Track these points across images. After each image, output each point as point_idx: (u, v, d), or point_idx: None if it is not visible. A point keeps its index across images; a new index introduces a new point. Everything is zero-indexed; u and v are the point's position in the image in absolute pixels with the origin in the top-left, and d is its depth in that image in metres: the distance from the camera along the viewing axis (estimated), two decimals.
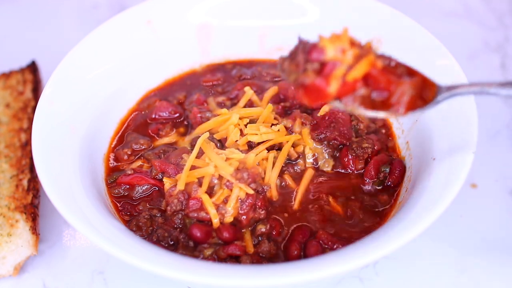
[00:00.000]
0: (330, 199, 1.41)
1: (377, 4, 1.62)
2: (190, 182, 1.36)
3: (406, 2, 1.95)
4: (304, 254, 1.32)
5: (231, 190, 1.34)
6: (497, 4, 2.09)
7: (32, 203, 1.48)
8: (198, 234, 1.32)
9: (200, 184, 1.35)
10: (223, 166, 1.34)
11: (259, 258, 1.31)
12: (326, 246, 1.33)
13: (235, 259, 1.31)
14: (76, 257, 1.50)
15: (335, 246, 1.32)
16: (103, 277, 1.45)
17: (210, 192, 1.36)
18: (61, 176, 1.32)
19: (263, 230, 1.35)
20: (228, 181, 1.34)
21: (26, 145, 1.59)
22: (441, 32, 1.59)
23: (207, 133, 1.42)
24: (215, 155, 1.36)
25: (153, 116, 1.59)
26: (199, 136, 1.48)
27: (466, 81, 1.41)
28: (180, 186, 1.35)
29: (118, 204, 1.42)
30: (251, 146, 1.44)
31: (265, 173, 1.40)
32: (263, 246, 1.32)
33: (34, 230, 1.44)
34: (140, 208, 1.41)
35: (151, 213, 1.39)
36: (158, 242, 1.34)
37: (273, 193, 1.39)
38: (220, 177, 1.36)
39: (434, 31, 1.54)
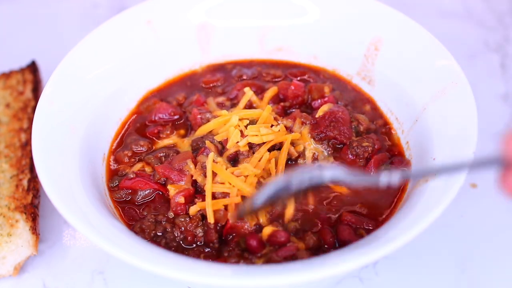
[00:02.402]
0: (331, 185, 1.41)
1: (377, 4, 1.62)
2: (216, 210, 1.35)
3: (406, 2, 1.95)
4: (338, 240, 1.33)
5: None
6: (497, 4, 2.09)
7: (32, 203, 1.48)
8: (255, 244, 1.31)
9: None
10: (249, 193, 1.34)
11: (310, 252, 1.31)
12: (358, 226, 1.34)
13: (291, 258, 1.30)
14: (76, 257, 1.50)
15: (364, 225, 1.34)
16: (103, 277, 1.45)
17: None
18: (61, 176, 1.32)
19: (297, 226, 1.36)
20: None
21: (26, 145, 1.59)
22: (441, 32, 1.59)
23: (212, 153, 1.40)
24: (236, 180, 1.35)
25: (153, 118, 1.59)
26: (200, 138, 1.49)
27: (466, 81, 1.41)
28: (210, 219, 1.33)
29: (121, 210, 1.41)
30: (251, 146, 1.44)
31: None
32: (308, 240, 1.33)
33: (34, 230, 1.44)
34: (145, 214, 1.40)
35: (157, 219, 1.39)
36: (167, 245, 1.34)
37: None
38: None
39: (434, 31, 1.54)
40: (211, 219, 1.33)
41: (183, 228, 1.35)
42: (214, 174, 1.37)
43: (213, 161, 1.38)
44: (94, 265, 1.47)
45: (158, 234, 1.36)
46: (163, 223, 1.37)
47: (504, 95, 1.81)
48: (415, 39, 1.54)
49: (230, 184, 1.35)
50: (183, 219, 1.36)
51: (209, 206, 1.33)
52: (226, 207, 1.35)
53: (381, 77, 1.59)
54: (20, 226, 1.44)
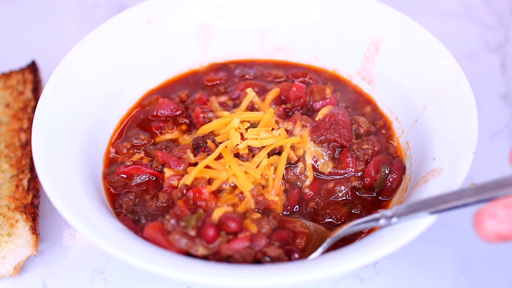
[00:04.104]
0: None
1: (377, 4, 1.62)
2: (198, 178, 1.36)
3: (406, 2, 1.95)
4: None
5: (240, 201, 1.34)
6: (497, 4, 2.09)
7: (32, 203, 1.48)
8: (212, 233, 1.26)
9: (208, 182, 1.35)
10: (244, 183, 1.34)
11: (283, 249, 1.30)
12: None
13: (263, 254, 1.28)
14: (76, 257, 1.50)
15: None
16: (103, 277, 1.45)
17: (217, 191, 1.36)
18: (61, 176, 1.32)
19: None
20: (241, 193, 1.34)
21: (26, 145, 1.59)
22: (441, 32, 1.59)
23: (227, 141, 1.41)
24: (237, 166, 1.35)
25: (155, 113, 1.59)
26: (201, 137, 1.49)
27: (466, 81, 1.41)
28: (187, 181, 1.34)
29: (112, 190, 1.43)
30: (251, 149, 1.43)
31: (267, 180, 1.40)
32: (264, 225, 1.31)
33: (34, 230, 1.44)
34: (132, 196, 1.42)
35: (139, 196, 1.41)
36: (135, 220, 1.36)
37: (278, 207, 1.39)
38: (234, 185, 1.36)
39: (434, 31, 1.54)
40: (188, 180, 1.33)
41: (164, 199, 1.37)
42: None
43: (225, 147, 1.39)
44: (94, 265, 1.47)
45: (136, 209, 1.38)
46: (146, 197, 1.40)
47: (504, 95, 1.81)
48: (415, 39, 1.54)
49: (230, 167, 1.35)
50: (166, 195, 1.37)
51: (195, 171, 1.34)
52: (209, 181, 1.35)
53: (381, 77, 1.59)
54: (20, 226, 1.44)
